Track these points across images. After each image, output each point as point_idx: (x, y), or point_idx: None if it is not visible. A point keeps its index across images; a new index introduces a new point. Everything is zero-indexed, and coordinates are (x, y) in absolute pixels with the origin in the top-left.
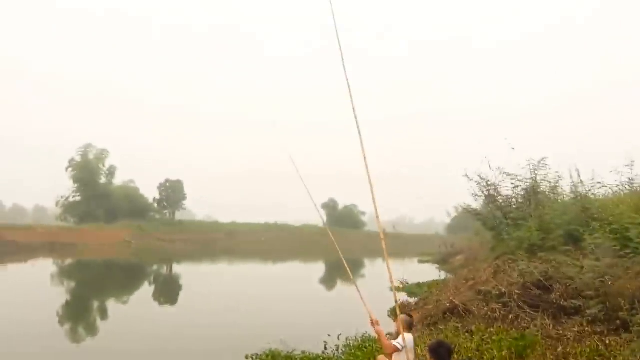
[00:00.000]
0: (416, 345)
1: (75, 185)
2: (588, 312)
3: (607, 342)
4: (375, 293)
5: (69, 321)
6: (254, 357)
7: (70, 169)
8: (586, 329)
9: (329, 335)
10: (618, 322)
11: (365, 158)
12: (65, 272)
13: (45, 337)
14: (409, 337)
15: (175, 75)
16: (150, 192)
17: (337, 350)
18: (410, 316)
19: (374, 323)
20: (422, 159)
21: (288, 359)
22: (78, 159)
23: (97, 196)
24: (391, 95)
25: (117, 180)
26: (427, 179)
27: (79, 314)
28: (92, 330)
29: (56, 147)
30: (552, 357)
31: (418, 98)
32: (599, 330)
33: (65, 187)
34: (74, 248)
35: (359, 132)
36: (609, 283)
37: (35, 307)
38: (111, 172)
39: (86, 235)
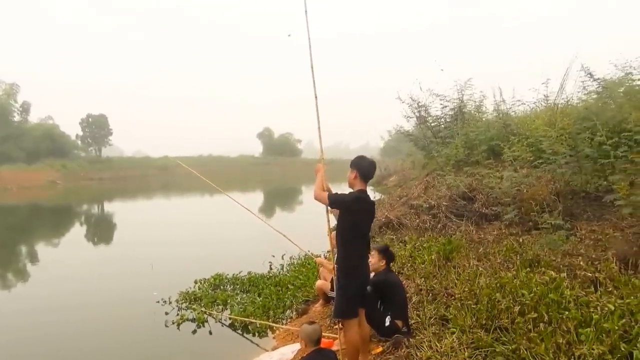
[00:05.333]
0: None
1: None
2: (505, 217)
3: (521, 240)
4: (315, 213)
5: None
6: (202, 282)
7: None
8: (504, 231)
9: (273, 256)
10: (530, 223)
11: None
12: None
13: None
14: None
15: None
16: (71, 130)
17: (282, 268)
18: None
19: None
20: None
21: (235, 280)
22: None
23: (12, 136)
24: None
25: (33, 118)
26: (364, 103)
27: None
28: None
29: None
30: (474, 256)
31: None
32: (514, 232)
33: None
34: None
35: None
36: (524, 190)
37: None
38: (25, 109)
39: (5, 178)
